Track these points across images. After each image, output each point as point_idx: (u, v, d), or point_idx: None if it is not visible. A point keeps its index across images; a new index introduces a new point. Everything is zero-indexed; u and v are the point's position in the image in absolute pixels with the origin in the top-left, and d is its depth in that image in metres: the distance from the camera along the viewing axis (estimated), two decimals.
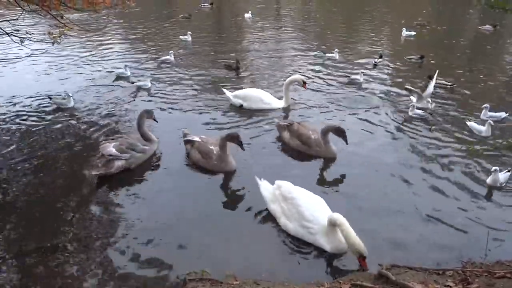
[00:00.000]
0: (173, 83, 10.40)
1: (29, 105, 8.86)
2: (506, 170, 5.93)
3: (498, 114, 8.14)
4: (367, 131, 7.70)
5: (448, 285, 3.65)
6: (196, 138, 6.52)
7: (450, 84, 10.12)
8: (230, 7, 26.18)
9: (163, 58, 12.18)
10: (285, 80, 9.07)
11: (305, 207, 4.76)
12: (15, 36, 7.58)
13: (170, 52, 12.30)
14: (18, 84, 10.20)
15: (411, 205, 5.40)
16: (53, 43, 7.95)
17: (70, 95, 8.61)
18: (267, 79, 11.05)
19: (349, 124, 7.79)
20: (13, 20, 9.37)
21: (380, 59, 12.54)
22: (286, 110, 8.76)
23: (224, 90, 9.05)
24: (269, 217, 5.15)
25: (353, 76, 10.63)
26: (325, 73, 11.48)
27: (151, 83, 10.04)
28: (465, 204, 5.45)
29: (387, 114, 8.53)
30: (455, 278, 3.81)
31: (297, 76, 9.06)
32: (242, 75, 11.27)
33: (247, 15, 20.57)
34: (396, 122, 8.16)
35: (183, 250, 4.59)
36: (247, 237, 4.82)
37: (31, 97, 9.26)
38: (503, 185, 5.80)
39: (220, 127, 7.81)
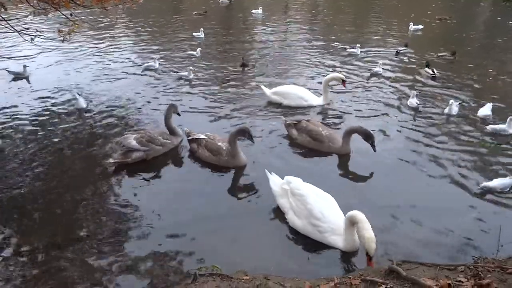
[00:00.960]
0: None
1: (45, 100, 9.04)
2: None
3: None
4: (381, 130, 7.53)
5: (459, 281, 3.62)
6: (202, 136, 6.52)
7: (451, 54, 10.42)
8: (250, 2, 25.28)
9: (148, 64, 11.30)
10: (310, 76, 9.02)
11: (314, 205, 4.73)
12: (26, 34, 7.64)
13: (155, 59, 11.45)
14: (34, 81, 10.41)
15: (422, 201, 5.36)
16: (63, 41, 8.02)
17: (79, 94, 8.65)
18: (279, 75, 10.96)
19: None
20: (23, 17, 9.49)
21: (405, 48, 12.80)
22: (325, 107, 8.62)
23: (262, 87, 8.94)
24: (279, 213, 5.15)
25: (375, 69, 10.73)
26: (349, 68, 11.38)
27: (193, 74, 10.26)
28: (477, 200, 5.39)
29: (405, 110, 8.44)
30: (466, 273, 3.78)
31: (336, 74, 8.92)
32: (254, 72, 11.17)
33: (256, 11, 20.46)
34: (414, 118, 8.02)
35: (193, 245, 4.62)
36: (257, 233, 4.84)
37: (48, 92, 9.50)
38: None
39: (225, 125, 7.77)
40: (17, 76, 10.55)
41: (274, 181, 5.34)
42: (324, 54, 12.95)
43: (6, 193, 5.67)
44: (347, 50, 12.97)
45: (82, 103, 8.47)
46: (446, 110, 7.99)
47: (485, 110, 7.87)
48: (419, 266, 3.98)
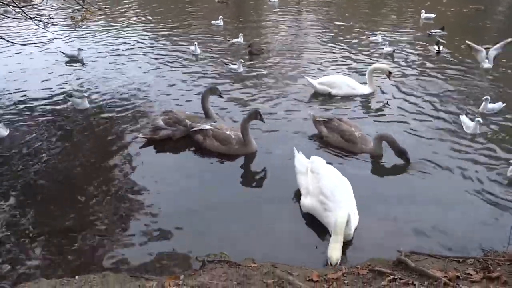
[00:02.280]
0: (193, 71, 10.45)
1: (56, 89, 9.11)
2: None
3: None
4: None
5: (468, 273, 3.60)
6: (208, 127, 6.48)
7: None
8: None
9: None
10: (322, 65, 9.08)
11: (327, 183, 4.77)
12: (39, 20, 7.67)
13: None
14: (44, 68, 10.48)
15: (433, 193, 5.33)
16: (75, 27, 8.06)
17: (86, 95, 8.31)
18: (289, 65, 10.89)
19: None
20: (37, 5, 9.53)
21: (439, 31, 13.35)
22: (371, 95, 8.62)
23: (307, 78, 8.86)
24: (289, 201, 5.18)
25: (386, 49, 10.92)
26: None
27: (242, 66, 10.02)
28: (487, 193, 5.33)
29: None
30: (476, 266, 3.76)
31: (383, 66, 8.83)
32: (267, 61, 11.10)
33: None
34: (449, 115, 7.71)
35: (203, 233, 4.66)
36: (267, 221, 4.86)
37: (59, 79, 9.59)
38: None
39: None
40: (72, 59, 10.94)
41: (300, 159, 5.39)
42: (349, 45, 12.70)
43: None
44: (369, 38, 12.93)
45: (86, 104, 8.06)
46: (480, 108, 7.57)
47: None
48: (428, 257, 3.97)
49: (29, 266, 4.26)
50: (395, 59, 10.90)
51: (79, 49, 11.10)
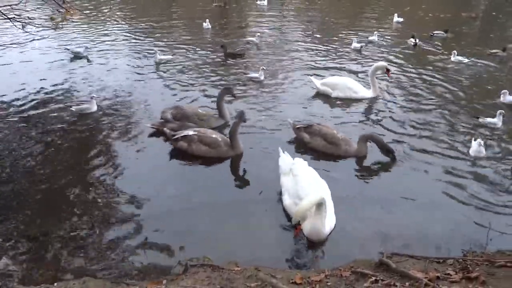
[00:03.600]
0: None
1: (39, 91, 8.93)
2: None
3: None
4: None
5: (448, 273, 3.66)
6: (191, 132, 6.32)
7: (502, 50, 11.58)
8: None
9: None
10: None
11: (303, 186, 4.82)
12: (17, 21, 7.51)
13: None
14: (25, 70, 10.29)
15: (414, 195, 5.40)
16: (54, 28, 7.92)
17: (94, 96, 8.12)
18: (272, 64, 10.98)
19: None
20: (15, 4, 9.32)
21: (441, 32, 14.31)
22: (374, 100, 8.49)
23: (311, 78, 8.84)
24: (272, 204, 5.18)
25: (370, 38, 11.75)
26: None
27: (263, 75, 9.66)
28: (467, 194, 5.43)
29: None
30: (455, 266, 3.82)
31: (381, 64, 8.72)
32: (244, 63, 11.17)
33: (260, 2, 20.65)
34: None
35: (186, 237, 4.62)
36: (250, 224, 4.85)
37: (42, 82, 9.39)
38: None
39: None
40: (76, 56, 11.20)
41: (284, 159, 5.42)
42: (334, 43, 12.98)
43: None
44: (368, 38, 13.59)
45: (94, 107, 7.94)
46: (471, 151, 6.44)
47: None
48: (409, 258, 4.01)
49: (6, 273, 4.13)
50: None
51: (86, 47, 11.38)
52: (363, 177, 5.92)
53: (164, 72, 10.24)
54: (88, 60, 11.12)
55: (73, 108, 7.76)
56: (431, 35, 14.31)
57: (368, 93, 8.56)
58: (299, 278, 3.68)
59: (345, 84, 8.52)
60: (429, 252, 4.27)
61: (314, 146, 6.54)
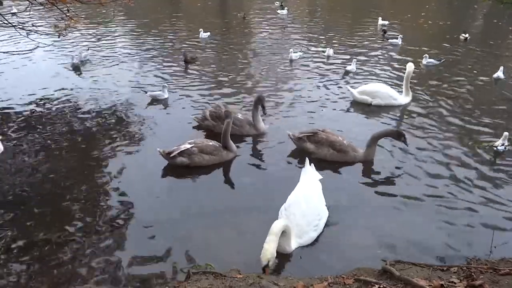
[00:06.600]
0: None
1: (42, 98, 8.96)
2: None
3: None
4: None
5: (452, 281, 3.63)
6: (188, 146, 6.15)
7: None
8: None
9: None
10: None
11: (292, 195, 4.85)
12: (22, 29, 7.59)
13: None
14: (28, 77, 10.33)
15: (418, 202, 5.39)
16: (58, 36, 7.99)
17: (165, 85, 8.90)
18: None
19: None
20: (20, 12, 9.43)
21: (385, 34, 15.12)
22: (407, 105, 8.47)
23: (348, 87, 8.68)
24: (274, 212, 5.15)
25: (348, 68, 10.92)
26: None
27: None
28: (471, 202, 5.41)
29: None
30: (459, 274, 3.79)
31: (410, 68, 8.47)
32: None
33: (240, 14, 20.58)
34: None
35: (188, 244, 4.59)
36: (253, 231, 4.81)
37: (43, 90, 9.40)
38: None
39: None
40: (77, 64, 11.12)
41: (307, 170, 5.25)
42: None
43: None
44: (388, 40, 14.19)
45: (166, 94, 8.73)
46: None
47: None
48: (412, 266, 3.98)
49: (8, 280, 4.13)
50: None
51: (86, 57, 11.54)
52: (367, 185, 5.88)
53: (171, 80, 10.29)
54: (88, 65, 11.19)
55: (148, 95, 8.71)
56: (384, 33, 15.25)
57: (405, 99, 8.51)
58: (302, 285, 3.65)
59: (386, 92, 8.41)
60: (433, 260, 4.25)
61: (320, 156, 6.24)
